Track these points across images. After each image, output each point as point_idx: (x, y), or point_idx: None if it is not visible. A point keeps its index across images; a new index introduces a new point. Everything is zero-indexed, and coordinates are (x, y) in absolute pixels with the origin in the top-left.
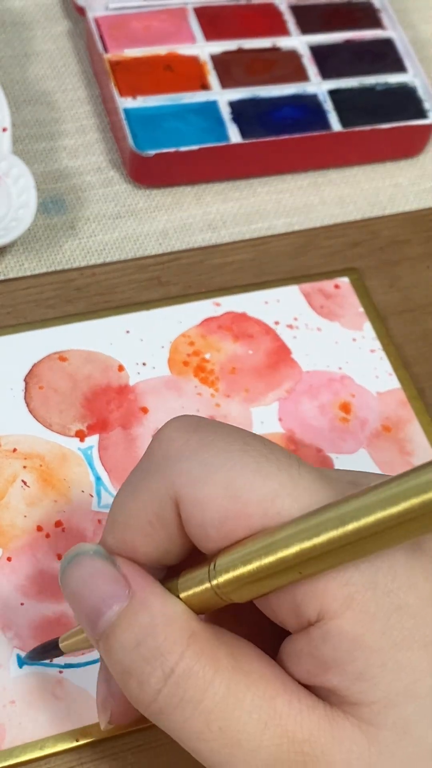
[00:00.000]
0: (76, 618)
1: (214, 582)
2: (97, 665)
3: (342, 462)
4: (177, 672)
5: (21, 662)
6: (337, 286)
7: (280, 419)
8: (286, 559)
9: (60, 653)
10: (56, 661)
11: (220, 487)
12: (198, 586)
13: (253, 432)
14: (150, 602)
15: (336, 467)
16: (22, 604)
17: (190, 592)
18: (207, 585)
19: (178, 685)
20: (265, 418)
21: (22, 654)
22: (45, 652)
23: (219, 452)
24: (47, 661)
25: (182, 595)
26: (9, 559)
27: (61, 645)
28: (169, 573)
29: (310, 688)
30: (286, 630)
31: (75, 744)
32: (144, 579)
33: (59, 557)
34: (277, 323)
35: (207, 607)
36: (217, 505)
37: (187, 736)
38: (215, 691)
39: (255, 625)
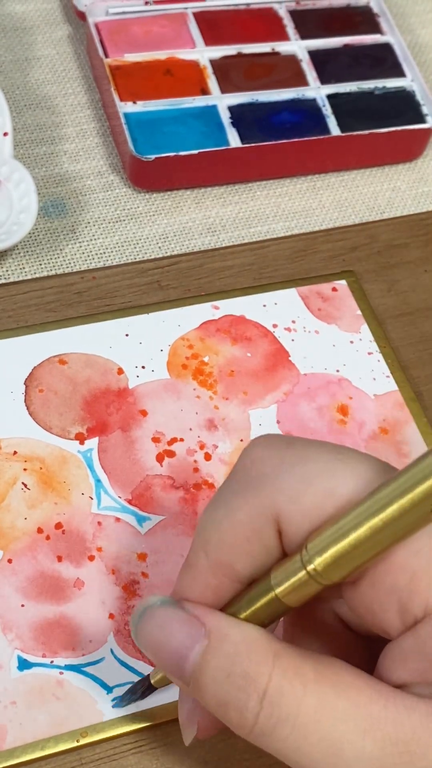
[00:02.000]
0: (159, 666)
1: (310, 566)
2: (96, 666)
3: None
4: (269, 693)
5: (22, 665)
6: (334, 289)
7: (278, 421)
8: (377, 525)
9: (154, 689)
10: (56, 662)
11: (321, 496)
12: (293, 575)
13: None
14: (229, 634)
15: None
16: (22, 605)
17: (287, 583)
18: (302, 572)
19: (272, 705)
20: (263, 421)
21: (24, 655)
22: (139, 693)
23: (316, 464)
24: (136, 700)
25: (278, 589)
26: (9, 560)
27: (153, 682)
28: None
29: (412, 688)
30: (373, 642)
31: (75, 744)
32: (215, 614)
33: (59, 559)
34: (275, 326)
35: (303, 596)
36: (321, 512)
37: (291, 752)
38: (308, 704)
39: (340, 645)
